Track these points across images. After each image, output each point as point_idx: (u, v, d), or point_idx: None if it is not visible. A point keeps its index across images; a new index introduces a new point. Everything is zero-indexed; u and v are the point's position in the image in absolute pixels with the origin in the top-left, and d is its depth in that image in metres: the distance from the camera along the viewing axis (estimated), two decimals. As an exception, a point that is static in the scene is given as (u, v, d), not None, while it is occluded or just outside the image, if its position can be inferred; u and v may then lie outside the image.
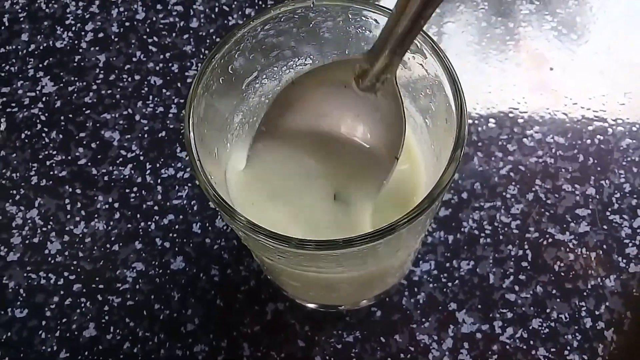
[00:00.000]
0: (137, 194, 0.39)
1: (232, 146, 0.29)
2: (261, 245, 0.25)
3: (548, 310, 0.36)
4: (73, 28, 0.44)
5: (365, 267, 0.28)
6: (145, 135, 0.40)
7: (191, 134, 0.23)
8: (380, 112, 0.26)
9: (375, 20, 0.26)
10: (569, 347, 0.35)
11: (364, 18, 0.26)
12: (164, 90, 0.42)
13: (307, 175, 0.28)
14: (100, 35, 0.44)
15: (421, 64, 0.25)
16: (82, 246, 0.38)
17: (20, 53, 0.43)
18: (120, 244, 0.38)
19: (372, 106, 0.26)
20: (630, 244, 0.37)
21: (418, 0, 0.21)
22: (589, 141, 0.39)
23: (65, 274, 0.37)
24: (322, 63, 0.28)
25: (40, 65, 0.43)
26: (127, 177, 0.39)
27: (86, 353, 0.36)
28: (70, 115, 0.41)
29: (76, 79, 0.42)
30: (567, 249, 0.37)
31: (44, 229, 0.38)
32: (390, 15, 0.23)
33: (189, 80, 0.42)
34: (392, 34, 0.23)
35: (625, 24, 0.43)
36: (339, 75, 0.26)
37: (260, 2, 0.44)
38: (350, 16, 0.26)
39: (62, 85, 0.42)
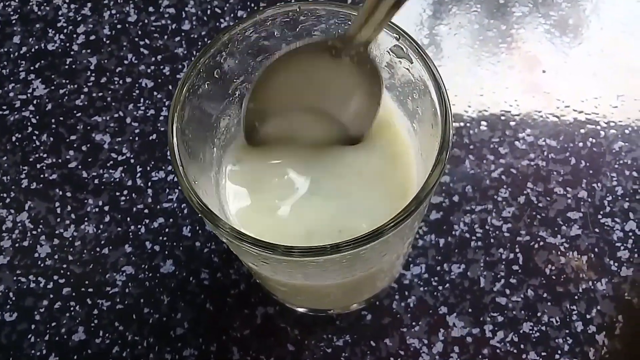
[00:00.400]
0: (128, 197, 0.39)
1: (219, 150, 0.29)
2: (247, 253, 0.25)
3: (539, 314, 0.36)
4: (65, 30, 0.44)
5: (353, 272, 0.28)
6: (136, 138, 0.40)
7: (174, 139, 0.23)
8: (357, 70, 0.27)
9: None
10: (559, 351, 0.35)
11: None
12: (155, 93, 0.42)
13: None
14: (92, 37, 0.44)
15: (408, 69, 0.25)
16: (71, 249, 0.38)
17: (11, 55, 0.43)
18: (110, 248, 0.38)
19: (347, 67, 0.27)
20: (622, 247, 0.37)
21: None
22: (581, 144, 0.39)
23: (55, 277, 0.37)
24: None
25: (32, 68, 0.43)
26: (117, 180, 0.39)
27: (75, 357, 0.36)
28: (61, 118, 0.41)
29: (67, 81, 0.42)
30: (559, 253, 0.37)
31: (34, 232, 0.38)
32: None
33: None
34: (374, 10, 0.24)
35: (619, 26, 0.43)
36: (313, 52, 0.27)
37: (252, 5, 0.44)
38: (340, 20, 0.26)
39: (53, 87, 0.42)
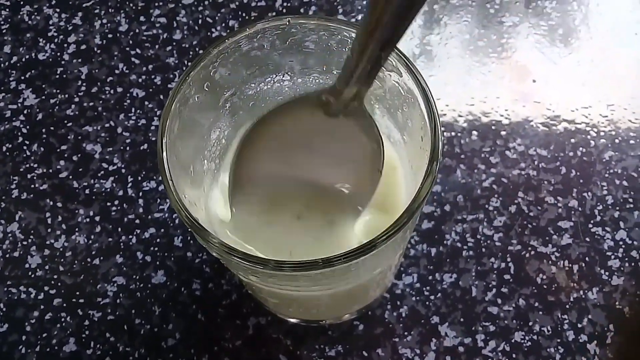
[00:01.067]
0: (118, 207, 0.39)
1: (210, 162, 0.29)
2: (238, 267, 0.25)
3: (530, 323, 0.36)
4: (55, 40, 0.44)
5: (344, 284, 0.28)
6: (127, 148, 0.40)
7: (164, 153, 0.23)
8: (353, 131, 0.26)
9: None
10: (551, 361, 0.35)
11: (345, 36, 0.26)
12: (146, 103, 0.41)
13: (291, 213, 0.28)
14: (83, 47, 0.43)
15: (397, 82, 0.25)
16: (62, 260, 0.38)
17: (2, 65, 0.43)
18: (101, 258, 0.38)
19: (344, 127, 0.26)
20: (612, 257, 0.37)
21: (376, 40, 0.21)
22: (571, 153, 0.40)
23: (46, 288, 0.37)
24: (300, 84, 0.28)
25: (22, 78, 0.43)
26: (108, 190, 0.39)
27: (66, 369, 0.35)
28: (52, 128, 0.41)
29: (58, 91, 0.42)
30: (550, 262, 0.37)
31: (25, 242, 0.38)
32: (351, 50, 0.23)
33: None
34: (355, 69, 0.23)
35: (608, 36, 0.43)
36: (306, 108, 0.26)
37: (244, 14, 0.44)
38: (330, 32, 0.26)
39: (44, 97, 0.42)
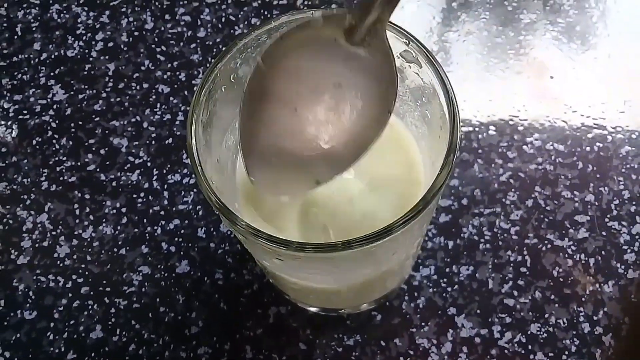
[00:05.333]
0: (144, 199, 0.40)
1: (233, 152, 0.30)
2: (262, 250, 0.25)
3: (546, 316, 0.36)
4: (84, 37, 0.45)
5: (364, 270, 0.29)
6: (153, 142, 0.41)
7: (193, 140, 0.24)
8: (371, 65, 0.25)
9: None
10: (567, 352, 0.35)
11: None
12: (171, 98, 0.43)
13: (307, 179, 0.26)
14: (110, 44, 0.45)
15: (417, 73, 0.26)
16: (90, 250, 0.39)
17: (32, 62, 0.45)
18: (127, 248, 0.39)
19: (362, 60, 0.25)
20: (628, 250, 0.37)
21: None
22: (588, 148, 0.40)
23: (74, 277, 0.38)
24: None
25: (52, 74, 0.44)
26: (134, 182, 0.40)
27: (93, 354, 0.36)
28: (80, 123, 0.42)
29: (86, 87, 0.43)
30: (566, 255, 0.37)
31: (53, 233, 0.39)
32: None
33: (195, 88, 0.43)
34: None
35: (625, 33, 0.43)
36: (327, 30, 0.24)
37: (265, 12, 0.45)
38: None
39: (72, 93, 0.43)
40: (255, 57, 0.27)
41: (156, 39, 0.45)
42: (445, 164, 0.24)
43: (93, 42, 0.45)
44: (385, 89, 0.25)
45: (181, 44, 0.44)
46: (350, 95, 0.25)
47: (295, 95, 0.25)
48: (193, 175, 0.40)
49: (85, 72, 0.44)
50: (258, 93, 0.25)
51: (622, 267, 0.37)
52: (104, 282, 0.38)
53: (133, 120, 0.42)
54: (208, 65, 0.44)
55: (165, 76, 0.43)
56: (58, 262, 0.39)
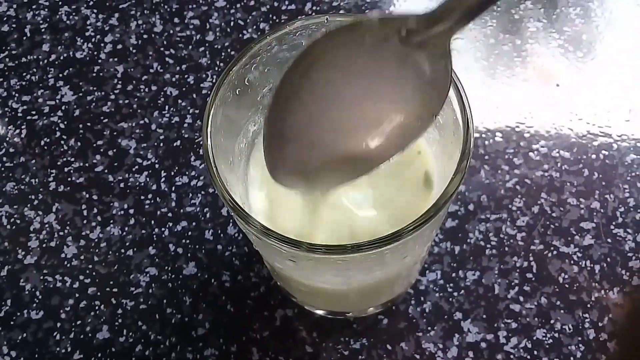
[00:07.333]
0: (152, 201, 0.40)
1: (246, 154, 0.30)
2: (272, 250, 0.26)
3: (552, 321, 0.36)
4: (93, 39, 0.45)
5: (373, 274, 0.29)
6: (161, 144, 0.42)
7: (208, 140, 0.24)
8: (426, 68, 0.23)
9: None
10: (572, 358, 0.35)
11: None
12: (179, 101, 0.43)
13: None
14: (119, 46, 0.45)
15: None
16: (97, 251, 0.39)
17: (41, 63, 0.45)
18: (135, 249, 0.39)
19: (417, 61, 0.23)
20: (633, 257, 0.38)
21: None
22: (594, 156, 0.40)
23: (81, 277, 0.38)
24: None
25: (60, 75, 0.44)
26: (142, 184, 0.41)
27: (99, 355, 0.37)
28: (89, 124, 0.43)
29: (95, 88, 0.44)
30: (572, 262, 0.38)
31: (61, 233, 0.39)
32: None
33: (204, 91, 0.43)
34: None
35: (631, 42, 0.44)
36: (380, 31, 0.23)
37: (274, 17, 0.46)
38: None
39: (81, 94, 0.44)
40: (269, 62, 0.27)
41: (165, 42, 0.45)
42: (458, 171, 0.24)
43: (102, 44, 0.45)
44: (437, 93, 0.23)
45: (190, 47, 0.45)
46: (395, 93, 0.24)
47: (337, 89, 0.24)
48: (201, 178, 0.40)
49: (94, 74, 0.44)
50: (296, 85, 0.24)
51: (627, 274, 0.37)
52: (111, 282, 0.38)
53: (141, 122, 0.42)
54: (216, 68, 0.44)
55: (173, 79, 0.44)
56: (65, 263, 0.39)
